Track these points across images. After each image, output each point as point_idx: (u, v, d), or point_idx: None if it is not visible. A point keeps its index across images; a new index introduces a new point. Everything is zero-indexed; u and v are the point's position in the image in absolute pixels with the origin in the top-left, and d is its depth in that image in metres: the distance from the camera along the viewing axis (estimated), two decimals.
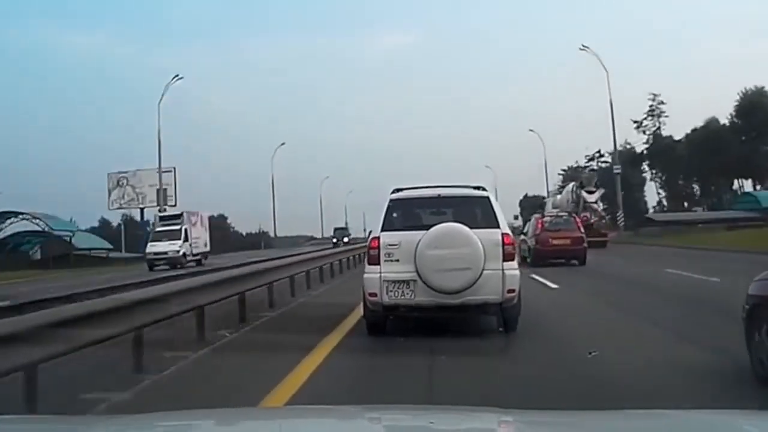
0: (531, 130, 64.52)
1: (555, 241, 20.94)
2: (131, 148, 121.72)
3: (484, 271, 7.47)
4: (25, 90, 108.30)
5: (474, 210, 8.21)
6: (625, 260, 22.97)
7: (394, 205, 8.29)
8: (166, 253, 34.63)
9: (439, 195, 8.45)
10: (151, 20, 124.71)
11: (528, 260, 20.82)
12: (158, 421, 2.47)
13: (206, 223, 41.34)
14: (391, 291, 7.67)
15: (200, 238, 39.01)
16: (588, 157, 77.13)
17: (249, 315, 9.74)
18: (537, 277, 15.59)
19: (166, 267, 32.34)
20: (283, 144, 69.66)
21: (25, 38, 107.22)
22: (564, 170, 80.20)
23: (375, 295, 7.72)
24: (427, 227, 7.70)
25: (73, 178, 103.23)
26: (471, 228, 7.60)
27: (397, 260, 7.71)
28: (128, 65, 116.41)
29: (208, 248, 40.14)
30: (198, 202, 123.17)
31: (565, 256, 20.71)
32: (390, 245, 7.76)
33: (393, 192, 8.49)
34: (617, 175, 45.80)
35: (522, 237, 23.00)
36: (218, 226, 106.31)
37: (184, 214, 38.12)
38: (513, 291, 7.62)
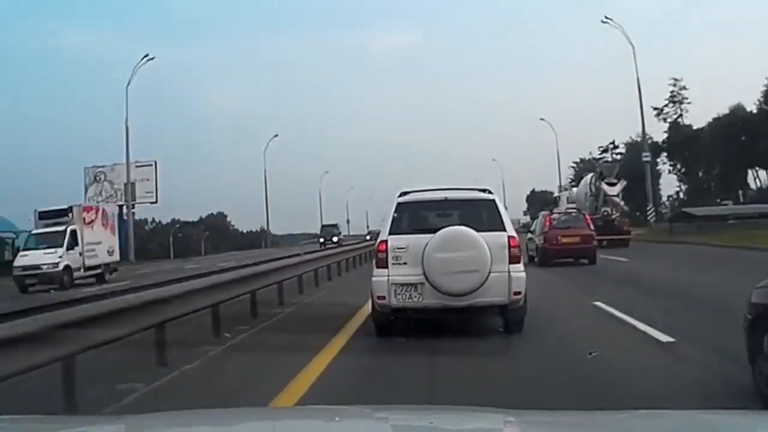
0: (542, 119, 61.51)
1: (564, 240, 19.91)
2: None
3: (491, 274, 7.57)
4: (24, 89, 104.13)
5: (480, 213, 8.29)
6: (708, 272, 16.68)
7: (401, 208, 8.40)
8: (39, 267, 23.57)
9: (445, 198, 8.57)
10: (150, 17, 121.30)
11: (535, 260, 20.25)
12: (164, 421, 2.46)
13: (113, 221, 29.27)
14: (399, 294, 7.78)
15: (101, 243, 27.02)
16: (601, 149, 72.76)
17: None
18: (619, 314, 9.14)
19: (54, 287, 22.85)
20: (276, 136, 65.37)
21: (26, 37, 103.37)
22: (576, 163, 77.38)
23: (383, 297, 7.86)
24: (435, 230, 7.80)
25: (62, 175, 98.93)
26: (477, 231, 7.70)
27: (405, 263, 7.83)
28: (123, 60, 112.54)
29: (115, 257, 28.60)
30: (196, 202, 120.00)
31: (574, 255, 19.72)
32: (398, 248, 7.89)
33: (400, 195, 8.62)
34: (647, 164, 42.02)
35: (529, 235, 22.39)
36: (217, 224, 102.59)
37: (74, 210, 26.35)
38: (519, 293, 7.72)
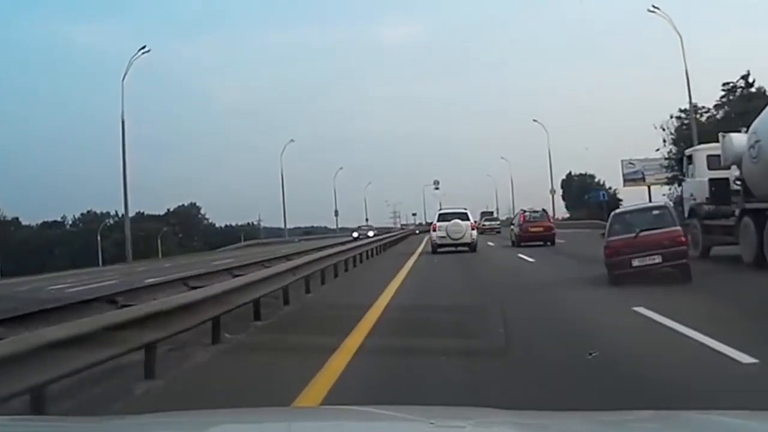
0: (653, 9, 39.28)
1: (533, 229, 31.11)
2: None
3: (465, 233, 28.18)
4: None
5: (463, 215, 29.26)
6: None
7: (439, 214, 30.29)
8: None
9: (453, 211, 29.91)
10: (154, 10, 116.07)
11: (513, 243, 32.28)
12: (167, 420, 2.56)
13: None
14: (439, 239, 28.24)
15: None
16: (727, 87, 46.76)
17: None
18: None
19: None
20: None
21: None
22: (682, 111, 48.99)
23: (435, 240, 28.59)
24: (449, 220, 28.55)
25: None
26: (462, 221, 28.65)
27: (441, 230, 28.36)
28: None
29: None
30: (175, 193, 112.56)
31: (540, 240, 30.49)
32: (438, 226, 28.61)
33: (439, 211, 32.48)
34: None
35: (511, 226, 36.35)
36: (188, 217, 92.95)
37: None
38: (474, 239, 28.49)
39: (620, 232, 13.08)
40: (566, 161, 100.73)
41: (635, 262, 12.50)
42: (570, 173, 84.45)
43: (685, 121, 47.84)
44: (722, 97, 45.92)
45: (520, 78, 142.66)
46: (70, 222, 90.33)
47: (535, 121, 66.14)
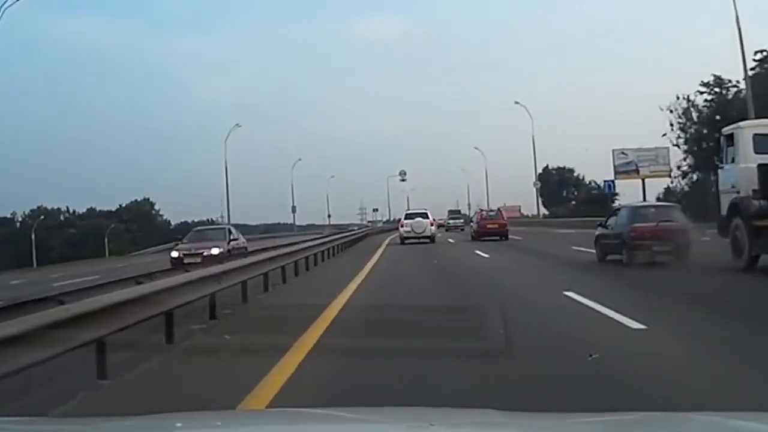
0: None
1: (489, 226, 37.08)
2: None
3: (426, 229, 35.74)
4: None
5: (424, 214, 37.17)
6: None
7: (406, 214, 38.76)
8: None
9: (416, 212, 38.70)
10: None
11: (472, 237, 38.20)
12: (166, 422, 2.57)
13: None
14: (406, 233, 35.40)
15: None
16: (762, 56, 40.81)
17: None
18: None
19: None
20: None
21: None
22: (709, 91, 43.91)
23: (402, 234, 35.85)
24: (414, 219, 36.54)
25: None
26: (424, 219, 36.58)
27: (408, 226, 35.89)
28: None
29: None
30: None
31: (495, 235, 36.01)
32: (405, 222, 36.60)
33: (406, 211, 42.13)
34: None
35: (471, 223, 44.32)
36: (141, 214, 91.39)
37: None
38: (434, 234, 36.66)
39: (641, 221, 16.22)
40: (541, 155, 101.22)
41: (655, 248, 15.52)
42: (547, 167, 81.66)
43: (707, 98, 44.80)
44: (753, 68, 38.87)
45: (498, 70, 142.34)
46: (20, 219, 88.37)
47: (517, 103, 62.03)
